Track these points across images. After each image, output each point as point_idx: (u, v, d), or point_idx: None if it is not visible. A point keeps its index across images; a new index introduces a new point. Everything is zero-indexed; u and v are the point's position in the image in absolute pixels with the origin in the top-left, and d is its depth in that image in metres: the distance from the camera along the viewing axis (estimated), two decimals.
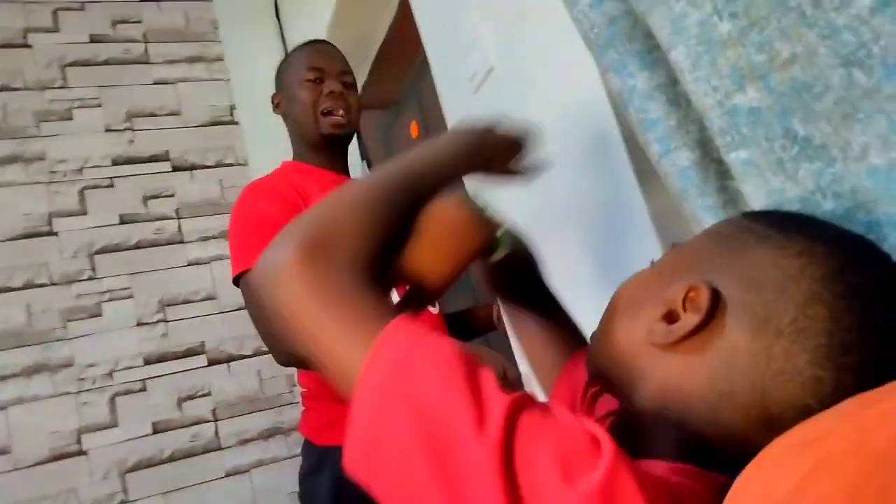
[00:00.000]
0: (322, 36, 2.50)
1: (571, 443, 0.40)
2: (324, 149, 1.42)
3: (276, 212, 1.24)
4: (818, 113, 0.55)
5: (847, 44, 0.53)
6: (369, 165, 2.52)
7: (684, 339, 0.49)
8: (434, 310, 1.40)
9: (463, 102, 1.43)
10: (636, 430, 0.51)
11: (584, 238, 1.10)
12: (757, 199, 0.58)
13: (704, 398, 0.48)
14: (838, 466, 0.36)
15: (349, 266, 0.51)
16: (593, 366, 0.60)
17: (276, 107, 1.50)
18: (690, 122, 0.65)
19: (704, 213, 0.64)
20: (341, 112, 1.39)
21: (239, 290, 1.26)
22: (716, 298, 0.48)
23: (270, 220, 1.23)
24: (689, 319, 0.49)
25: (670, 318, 0.50)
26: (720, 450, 0.47)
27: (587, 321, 0.81)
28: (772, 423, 0.45)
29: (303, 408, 1.43)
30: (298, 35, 2.83)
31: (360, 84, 2.49)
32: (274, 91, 1.51)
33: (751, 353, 0.46)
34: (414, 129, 2.30)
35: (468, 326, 1.56)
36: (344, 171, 1.46)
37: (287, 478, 2.60)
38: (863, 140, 0.54)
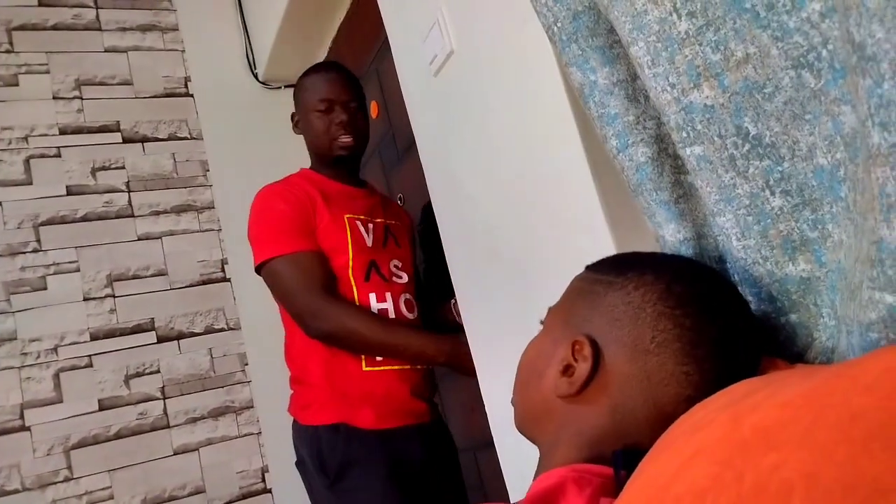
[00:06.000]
0: (281, 13, 2.46)
1: None
2: (335, 165, 1.67)
3: (291, 210, 1.54)
4: (769, 112, 0.57)
5: (798, 46, 0.55)
6: None
7: (584, 387, 0.60)
8: (412, 315, 1.61)
9: (423, 85, 1.43)
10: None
11: (535, 226, 1.12)
12: (709, 193, 0.60)
13: (613, 423, 0.59)
14: (710, 453, 0.44)
15: None
16: (522, 430, 0.70)
17: (296, 126, 1.75)
18: (648, 118, 0.66)
19: (659, 208, 0.66)
20: (349, 138, 1.64)
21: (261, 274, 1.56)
22: (595, 345, 0.60)
23: (287, 217, 1.53)
24: (582, 369, 0.60)
25: (568, 371, 0.61)
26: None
27: (537, 309, 0.82)
28: (668, 420, 0.54)
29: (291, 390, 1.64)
30: (256, 7, 2.78)
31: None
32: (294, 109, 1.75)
33: (635, 377, 0.58)
34: (374, 109, 2.29)
35: (440, 325, 1.70)
36: (353, 182, 1.71)
37: (236, 457, 2.59)
38: (810, 140, 0.56)
